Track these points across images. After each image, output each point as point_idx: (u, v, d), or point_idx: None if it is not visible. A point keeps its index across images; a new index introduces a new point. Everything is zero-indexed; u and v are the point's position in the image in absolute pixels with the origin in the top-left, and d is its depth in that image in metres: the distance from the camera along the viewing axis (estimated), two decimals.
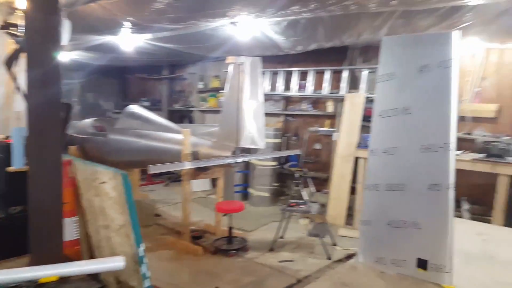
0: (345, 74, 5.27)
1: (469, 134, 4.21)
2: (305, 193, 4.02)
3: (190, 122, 7.55)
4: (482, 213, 3.99)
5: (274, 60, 5.80)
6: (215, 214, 4.28)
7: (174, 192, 6.38)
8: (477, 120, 4.25)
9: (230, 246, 3.91)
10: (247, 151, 4.21)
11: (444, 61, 1.41)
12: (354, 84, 5.26)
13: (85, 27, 4.09)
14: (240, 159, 3.92)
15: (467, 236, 1.78)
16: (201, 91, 7.36)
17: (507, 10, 2.84)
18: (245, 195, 5.96)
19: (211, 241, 4.05)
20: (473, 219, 3.82)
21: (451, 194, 1.37)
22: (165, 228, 4.58)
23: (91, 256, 2.49)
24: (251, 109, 3.89)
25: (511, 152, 3.80)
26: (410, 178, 1.48)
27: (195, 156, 3.89)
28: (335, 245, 4.07)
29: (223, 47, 5.02)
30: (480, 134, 4.11)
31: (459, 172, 4.02)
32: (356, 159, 4.70)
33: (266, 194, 5.67)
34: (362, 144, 4.69)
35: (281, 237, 4.17)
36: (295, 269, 3.49)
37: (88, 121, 5.08)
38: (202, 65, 7.27)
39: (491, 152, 3.77)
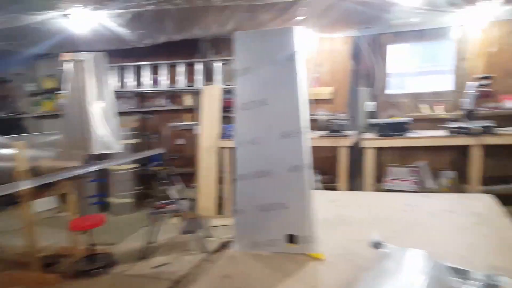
0: (198, 67, 5.28)
1: (313, 115, 4.82)
2: (172, 192, 3.89)
3: (22, 132, 6.32)
4: (330, 182, 4.66)
5: (120, 54, 5.35)
6: (71, 234, 3.74)
7: (10, 217, 5.28)
8: (318, 102, 4.92)
9: (93, 265, 3.49)
10: (101, 157, 3.79)
11: (290, 54, 1.52)
12: (209, 76, 5.33)
13: None
14: (93, 168, 3.50)
15: (323, 204, 2.01)
16: (33, 94, 6.24)
17: (333, 4, 3.32)
18: (104, 206, 5.40)
19: (70, 265, 3.54)
20: (325, 188, 4.43)
21: (309, 173, 1.50)
22: (6, 262, 3.76)
23: None
24: (100, 110, 3.49)
25: (347, 126, 4.53)
26: (274, 164, 1.57)
27: (36, 172, 3.29)
28: (209, 237, 4.10)
29: (55, 42, 4.34)
30: (322, 114, 4.77)
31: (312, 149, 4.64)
32: (220, 149, 4.81)
33: (130, 200, 5.27)
34: (224, 135, 4.83)
35: (153, 242, 3.95)
36: (171, 271, 3.36)
37: None
38: (30, 64, 6.13)
39: (331, 129, 4.42)
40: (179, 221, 4.53)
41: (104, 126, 3.49)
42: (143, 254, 3.69)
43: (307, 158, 1.53)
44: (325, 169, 4.81)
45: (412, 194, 2.52)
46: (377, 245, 1.31)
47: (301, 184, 1.52)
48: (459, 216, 1.77)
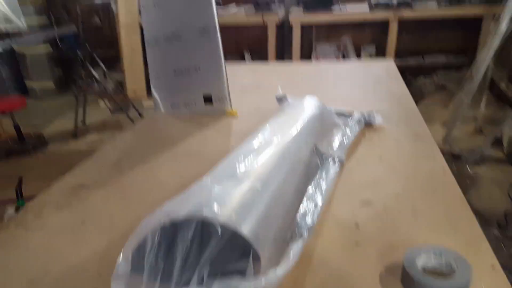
0: None
1: None
2: (95, 73, 3.74)
3: None
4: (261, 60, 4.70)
5: None
6: None
7: None
8: None
9: (24, 145, 3.47)
10: (3, 35, 3.40)
11: None
12: None
13: None
14: None
15: (244, 74, 2.14)
16: None
17: None
18: (24, 90, 5.07)
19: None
20: None
21: (218, 35, 1.54)
22: None
23: None
24: None
25: (275, 1, 4.35)
26: (183, 26, 1.56)
27: None
28: (141, 115, 4.15)
29: None
30: None
31: (240, 29, 4.48)
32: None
33: (51, 84, 4.98)
34: None
35: (83, 122, 3.95)
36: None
37: None
38: None
39: (259, 3, 4.24)
40: (108, 103, 4.46)
41: None
42: (75, 133, 3.70)
43: (215, 19, 1.54)
44: (256, 48, 4.80)
45: (326, 63, 2.70)
46: (280, 98, 1.50)
47: (213, 47, 1.56)
48: (360, 77, 2.04)
